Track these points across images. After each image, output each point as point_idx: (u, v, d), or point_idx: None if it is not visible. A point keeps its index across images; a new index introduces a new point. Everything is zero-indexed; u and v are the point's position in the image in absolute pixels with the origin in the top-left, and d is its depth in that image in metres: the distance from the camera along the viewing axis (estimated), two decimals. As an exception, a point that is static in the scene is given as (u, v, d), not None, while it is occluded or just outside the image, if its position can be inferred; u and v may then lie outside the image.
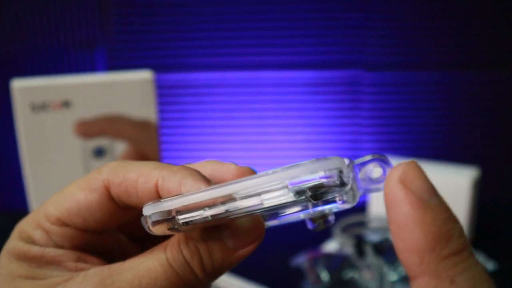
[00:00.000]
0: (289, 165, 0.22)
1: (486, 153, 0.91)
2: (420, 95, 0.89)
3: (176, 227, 0.21)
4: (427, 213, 0.20)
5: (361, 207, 0.81)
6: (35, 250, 0.24)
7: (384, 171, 0.23)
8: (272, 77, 0.89)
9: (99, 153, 0.55)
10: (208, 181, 0.22)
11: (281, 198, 0.21)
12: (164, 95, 0.90)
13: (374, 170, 0.24)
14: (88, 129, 0.53)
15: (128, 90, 0.54)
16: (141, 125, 0.55)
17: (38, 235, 0.25)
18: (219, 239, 0.22)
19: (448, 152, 0.92)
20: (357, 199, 0.23)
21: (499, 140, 0.91)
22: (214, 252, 0.22)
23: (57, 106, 0.52)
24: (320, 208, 0.23)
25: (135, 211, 0.24)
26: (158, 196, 0.23)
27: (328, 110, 0.91)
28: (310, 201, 0.22)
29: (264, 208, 0.21)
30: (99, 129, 0.54)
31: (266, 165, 0.93)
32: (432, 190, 0.20)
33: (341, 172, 0.23)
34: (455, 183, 0.68)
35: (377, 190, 0.23)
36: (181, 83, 0.90)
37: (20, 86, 0.50)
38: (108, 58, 0.87)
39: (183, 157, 0.93)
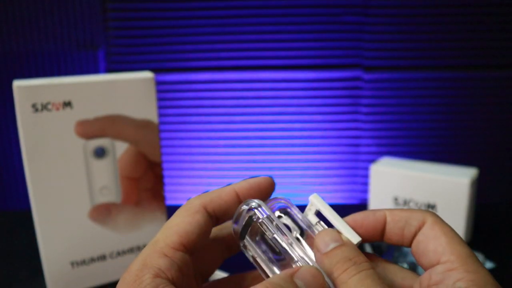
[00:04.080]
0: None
1: (484, 154, 0.92)
2: (419, 97, 0.90)
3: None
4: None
5: (361, 207, 0.81)
6: (158, 283, 0.27)
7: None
8: (272, 77, 0.90)
9: (100, 153, 0.55)
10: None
11: None
12: (165, 95, 0.90)
13: None
14: (89, 129, 0.54)
15: (129, 90, 0.54)
16: (142, 125, 0.56)
17: (162, 262, 0.28)
18: (294, 283, 0.29)
19: (447, 153, 0.92)
20: None
21: (497, 141, 0.91)
22: None
23: (58, 106, 0.52)
24: None
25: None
26: (239, 199, 0.32)
27: (328, 111, 0.91)
28: None
29: None
30: (99, 129, 0.54)
31: (266, 165, 0.93)
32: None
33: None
34: (454, 184, 0.69)
35: None
36: (181, 84, 0.90)
37: (21, 86, 0.50)
38: (109, 59, 0.88)
39: (183, 157, 0.93)
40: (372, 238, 0.31)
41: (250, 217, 0.31)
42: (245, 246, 0.32)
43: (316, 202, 0.32)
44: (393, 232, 0.30)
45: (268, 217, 0.31)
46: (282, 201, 0.33)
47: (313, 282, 0.28)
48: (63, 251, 0.55)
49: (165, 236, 0.29)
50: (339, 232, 0.31)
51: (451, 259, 0.28)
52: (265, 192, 0.33)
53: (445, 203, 0.70)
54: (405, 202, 0.73)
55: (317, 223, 0.32)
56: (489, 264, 0.64)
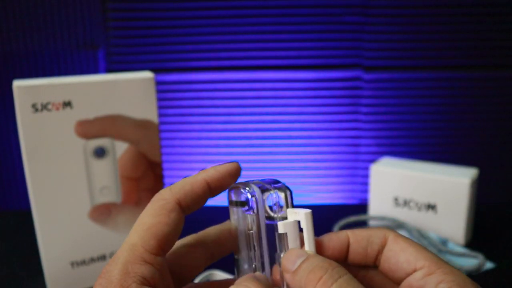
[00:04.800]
0: None
1: (484, 155, 0.92)
2: (419, 97, 0.90)
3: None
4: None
5: (361, 207, 0.81)
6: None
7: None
8: (272, 77, 0.90)
9: (100, 153, 0.55)
10: None
11: None
12: (165, 95, 0.90)
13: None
14: (89, 129, 0.54)
15: (129, 90, 0.54)
16: (142, 125, 0.56)
17: (146, 271, 0.28)
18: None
19: (447, 153, 0.92)
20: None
21: (497, 141, 0.91)
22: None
23: (58, 106, 0.52)
24: None
25: None
26: (210, 189, 0.31)
27: (328, 111, 0.91)
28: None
29: None
30: (99, 129, 0.54)
31: (266, 165, 0.93)
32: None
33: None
34: (454, 184, 0.69)
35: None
36: (181, 84, 0.90)
37: (21, 86, 0.50)
38: (109, 59, 0.88)
39: (183, 156, 0.93)
40: (337, 260, 0.30)
41: (243, 203, 0.32)
42: (231, 211, 0.33)
43: (305, 221, 0.31)
44: (356, 252, 0.31)
45: (257, 222, 0.31)
46: (282, 196, 0.32)
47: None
48: (63, 251, 0.55)
49: (143, 240, 0.28)
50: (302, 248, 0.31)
51: (427, 265, 0.28)
52: (235, 179, 0.33)
53: (445, 203, 0.70)
54: (405, 202, 0.73)
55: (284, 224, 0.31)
56: (489, 264, 0.64)
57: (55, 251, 0.55)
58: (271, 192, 0.32)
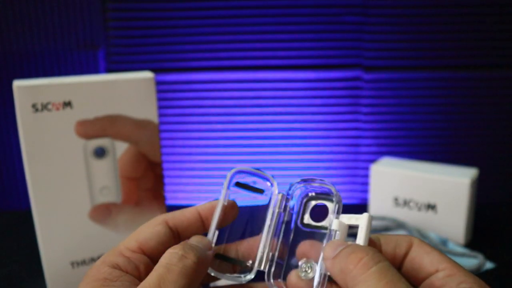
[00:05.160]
0: None
1: (484, 154, 0.92)
2: (419, 97, 0.90)
3: None
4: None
5: (361, 207, 0.81)
6: (116, 273, 0.31)
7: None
8: (272, 77, 0.90)
9: (100, 153, 0.55)
10: None
11: None
12: (165, 95, 0.90)
13: None
14: (89, 129, 0.54)
15: (129, 90, 0.54)
16: (142, 125, 0.56)
17: (119, 260, 0.32)
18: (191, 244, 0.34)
19: (447, 153, 0.92)
20: None
21: (497, 141, 0.91)
22: (200, 240, 0.34)
23: (58, 106, 0.52)
24: None
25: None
26: (201, 218, 0.35)
27: (328, 111, 0.91)
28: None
29: None
30: (99, 129, 0.54)
31: (266, 165, 0.93)
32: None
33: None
34: (454, 184, 0.69)
35: None
36: (181, 84, 0.90)
37: (21, 86, 0.50)
38: (109, 59, 0.88)
39: (183, 156, 0.93)
40: None
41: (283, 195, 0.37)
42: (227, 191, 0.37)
43: (363, 223, 0.33)
44: (386, 253, 0.33)
45: (285, 204, 0.36)
46: (325, 199, 0.36)
47: (203, 240, 0.34)
48: (63, 251, 0.55)
49: (125, 242, 0.33)
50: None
51: (449, 267, 0.31)
52: (228, 214, 0.36)
53: (445, 203, 0.70)
54: (405, 202, 0.73)
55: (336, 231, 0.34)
56: (489, 264, 0.64)
57: (55, 251, 0.55)
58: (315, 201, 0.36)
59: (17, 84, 0.51)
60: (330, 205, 0.35)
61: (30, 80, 0.52)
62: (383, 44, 0.87)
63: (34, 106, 0.51)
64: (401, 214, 0.73)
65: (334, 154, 0.93)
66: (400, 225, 0.72)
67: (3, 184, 0.92)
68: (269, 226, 0.35)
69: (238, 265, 0.36)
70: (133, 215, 0.58)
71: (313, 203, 0.36)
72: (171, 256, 0.31)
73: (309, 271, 0.34)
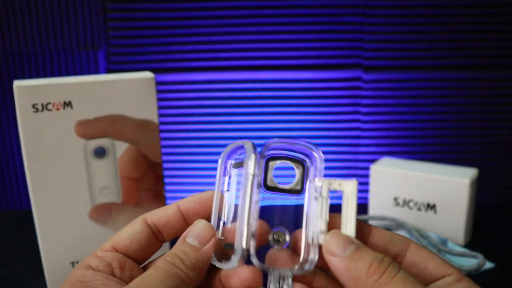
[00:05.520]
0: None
1: (484, 154, 0.92)
2: (419, 97, 0.90)
3: None
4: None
5: (361, 207, 0.81)
6: (89, 274, 0.32)
7: None
8: (272, 77, 0.90)
9: (100, 153, 0.55)
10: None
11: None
12: (165, 95, 0.90)
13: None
14: (89, 129, 0.54)
15: (129, 90, 0.55)
16: (142, 125, 0.56)
17: (93, 261, 0.33)
18: (187, 243, 0.32)
19: (447, 153, 0.92)
20: None
21: (497, 141, 0.91)
22: (188, 253, 0.31)
23: (58, 106, 0.52)
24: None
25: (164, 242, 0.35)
26: (181, 213, 0.35)
27: (328, 111, 0.91)
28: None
29: None
30: (100, 129, 0.54)
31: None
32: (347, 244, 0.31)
33: None
34: (454, 184, 0.69)
35: None
36: (181, 84, 0.90)
37: (21, 86, 0.50)
38: (109, 59, 0.88)
39: (183, 156, 0.93)
40: None
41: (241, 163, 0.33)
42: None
43: (349, 190, 0.30)
44: (376, 246, 0.32)
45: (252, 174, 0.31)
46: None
47: (202, 233, 0.32)
48: (63, 251, 0.55)
49: (102, 245, 0.35)
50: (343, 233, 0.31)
51: (455, 272, 0.31)
52: (208, 204, 0.35)
53: (445, 203, 0.70)
54: (405, 202, 0.73)
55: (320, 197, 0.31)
56: (489, 264, 0.64)
57: (55, 251, 0.55)
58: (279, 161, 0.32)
59: (17, 84, 0.51)
60: (298, 166, 0.32)
61: (30, 80, 0.52)
62: (383, 44, 0.87)
63: (34, 106, 0.51)
64: (401, 214, 0.73)
65: (334, 154, 0.93)
66: (400, 225, 0.72)
67: (3, 184, 0.92)
68: (244, 195, 0.31)
69: (230, 249, 0.32)
70: (133, 215, 0.58)
71: (278, 162, 0.32)
72: (162, 260, 0.31)
73: (281, 240, 0.32)
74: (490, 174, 0.90)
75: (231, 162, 0.35)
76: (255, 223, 0.31)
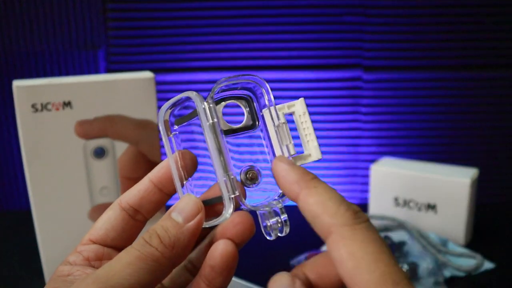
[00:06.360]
0: None
1: (484, 154, 0.91)
2: (419, 97, 0.90)
3: None
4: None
5: (361, 207, 0.81)
6: (67, 269, 0.31)
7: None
8: (272, 77, 0.90)
9: (100, 153, 0.55)
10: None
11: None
12: (165, 95, 0.90)
13: None
14: (89, 129, 0.54)
15: (129, 90, 0.54)
16: (142, 125, 0.56)
17: (71, 257, 0.32)
18: (171, 218, 0.29)
19: (447, 153, 0.92)
20: None
21: (497, 141, 0.91)
22: (168, 229, 0.29)
23: (58, 106, 0.52)
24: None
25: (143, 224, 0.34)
26: (153, 185, 0.34)
27: (328, 111, 0.91)
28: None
29: None
30: (99, 129, 0.54)
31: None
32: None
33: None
34: (454, 184, 0.69)
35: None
36: (181, 84, 0.90)
37: (21, 86, 0.50)
38: (109, 59, 0.88)
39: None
40: None
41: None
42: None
43: (299, 109, 0.30)
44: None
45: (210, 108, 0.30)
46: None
47: (187, 208, 0.30)
48: (63, 251, 0.55)
49: (81, 239, 0.34)
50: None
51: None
52: (187, 164, 0.34)
53: (445, 203, 0.70)
54: (405, 202, 0.73)
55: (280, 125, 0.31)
56: (489, 264, 0.64)
57: (55, 251, 0.55)
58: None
59: (17, 84, 0.51)
60: (242, 103, 0.31)
61: (30, 80, 0.52)
62: (383, 44, 0.87)
63: (34, 106, 0.51)
64: (401, 214, 0.73)
65: (334, 154, 0.93)
66: (400, 225, 0.72)
67: (3, 184, 0.92)
68: (213, 145, 0.30)
69: (210, 204, 0.31)
70: (133, 215, 0.58)
71: (224, 104, 0.31)
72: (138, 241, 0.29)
73: (255, 177, 0.31)
74: (490, 174, 0.90)
75: (172, 120, 0.33)
76: (233, 170, 0.30)
